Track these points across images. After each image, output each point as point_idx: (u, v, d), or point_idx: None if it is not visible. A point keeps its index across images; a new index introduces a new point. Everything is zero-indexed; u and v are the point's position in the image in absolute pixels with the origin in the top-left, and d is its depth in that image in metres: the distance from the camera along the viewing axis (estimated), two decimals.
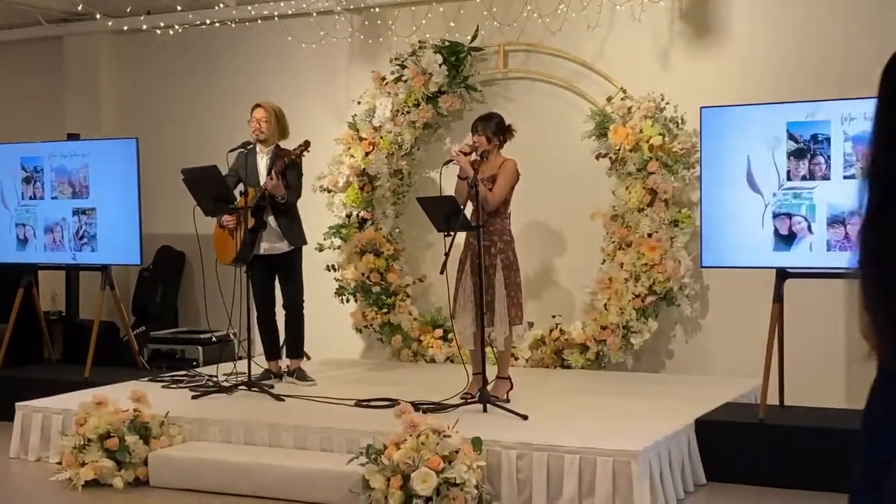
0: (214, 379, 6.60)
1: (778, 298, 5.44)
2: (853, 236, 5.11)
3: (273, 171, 6.36)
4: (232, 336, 7.62)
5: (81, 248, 7.24)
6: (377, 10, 7.70)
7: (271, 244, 6.54)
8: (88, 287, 8.14)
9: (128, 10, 8.20)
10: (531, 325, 6.86)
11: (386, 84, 7.55)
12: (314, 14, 7.81)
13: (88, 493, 5.37)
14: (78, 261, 7.32)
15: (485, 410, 5.54)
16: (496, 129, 5.89)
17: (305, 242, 6.70)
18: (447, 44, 7.40)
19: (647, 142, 6.72)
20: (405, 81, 7.47)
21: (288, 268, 6.63)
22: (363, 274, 7.49)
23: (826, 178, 5.33)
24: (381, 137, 7.50)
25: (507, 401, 5.75)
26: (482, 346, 5.80)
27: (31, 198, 7.40)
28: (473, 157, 5.79)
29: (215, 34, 8.34)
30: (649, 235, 6.73)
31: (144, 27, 8.37)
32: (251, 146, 6.54)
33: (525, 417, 5.37)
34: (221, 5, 8.13)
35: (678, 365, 6.96)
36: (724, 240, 5.61)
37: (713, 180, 5.64)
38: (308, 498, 5.04)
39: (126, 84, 8.89)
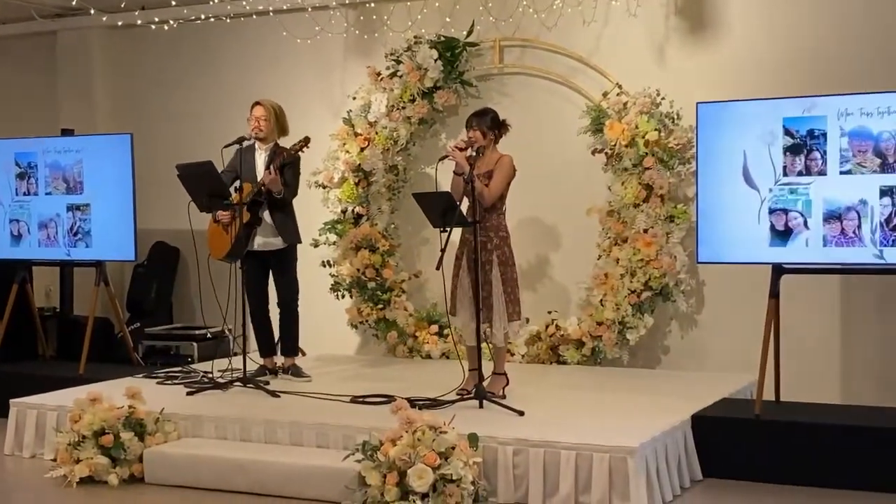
0: (209, 375, 6.59)
1: (774, 294, 5.45)
2: (849, 232, 5.13)
3: (271, 166, 6.34)
4: (227, 332, 7.60)
5: (76, 244, 7.22)
6: (372, 5, 7.68)
7: (266, 240, 6.52)
8: (83, 283, 8.12)
9: (122, 6, 8.17)
10: (527, 320, 6.85)
11: (381, 79, 7.54)
12: (309, 9, 7.80)
13: (83, 490, 5.35)
14: (72, 257, 7.30)
15: (481, 406, 5.54)
16: (491, 125, 5.88)
17: (300, 241, 6.68)
18: (443, 39, 7.39)
19: (643, 137, 6.72)
20: (400, 77, 7.46)
21: (282, 264, 6.61)
22: (358, 270, 7.48)
23: (822, 173, 5.33)
24: (377, 133, 7.49)
25: (504, 397, 5.75)
26: (479, 343, 5.79)
27: (24, 194, 7.38)
28: (469, 152, 5.78)
29: (210, 29, 8.32)
30: (645, 231, 6.72)
31: (139, 22, 8.35)
32: (246, 141, 6.51)
33: (521, 413, 5.36)
34: (216, 0, 8.10)
35: (674, 361, 6.96)
36: (720, 235, 5.61)
37: (709, 176, 5.63)
38: (304, 494, 5.03)
39: (120, 79, 8.87)
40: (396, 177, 7.63)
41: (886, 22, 6.38)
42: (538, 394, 5.99)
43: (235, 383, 6.30)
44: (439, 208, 5.65)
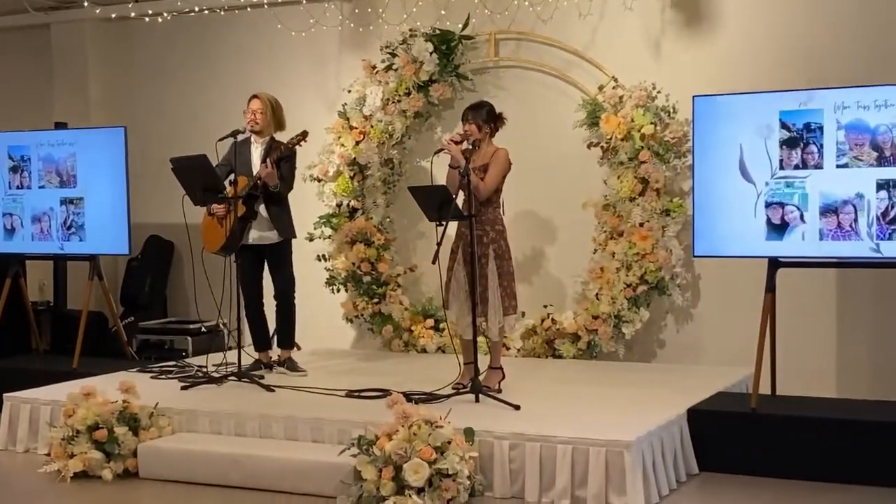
0: (204, 369, 6.57)
1: (770, 288, 5.44)
2: (845, 225, 5.12)
3: (268, 160, 6.32)
4: (221, 326, 7.58)
5: (69, 238, 7.20)
6: None
7: (261, 234, 6.50)
8: (76, 277, 8.09)
9: None
10: (523, 314, 6.84)
11: (376, 72, 7.51)
12: (304, 2, 7.77)
13: (77, 484, 5.33)
14: (66, 251, 7.28)
15: (477, 401, 5.53)
16: (487, 118, 5.86)
17: (295, 236, 6.66)
18: (438, 32, 7.36)
19: (639, 131, 6.70)
20: (396, 70, 7.43)
21: (279, 258, 6.59)
22: (354, 263, 7.47)
23: (819, 167, 5.32)
24: (372, 126, 7.47)
25: (500, 391, 5.74)
26: (475, 337, 5.78)
27: (18, 187, 7.35)
28: (465, 145, 5.76)
29: (204, 22, 8.29)
30: (641, 225, 6.71)
31: (133, 15, 8.31)
32: (241, 134, 6.47)
33: (517, 407, 5.36)
34: None
35: (670, 354, 6.96)
36: (715, 229, 5.60)
37: (705, 169, 5.61)
38: (299, 489, 5.01)
39: (114, 72, 8.83)
40: (392, 170, 7.61)
41: (882, 14, 6.37)
42: (534, 388, 5.98)
43: (230, 378, 6.28)
44: (435, 202, 5.63)
